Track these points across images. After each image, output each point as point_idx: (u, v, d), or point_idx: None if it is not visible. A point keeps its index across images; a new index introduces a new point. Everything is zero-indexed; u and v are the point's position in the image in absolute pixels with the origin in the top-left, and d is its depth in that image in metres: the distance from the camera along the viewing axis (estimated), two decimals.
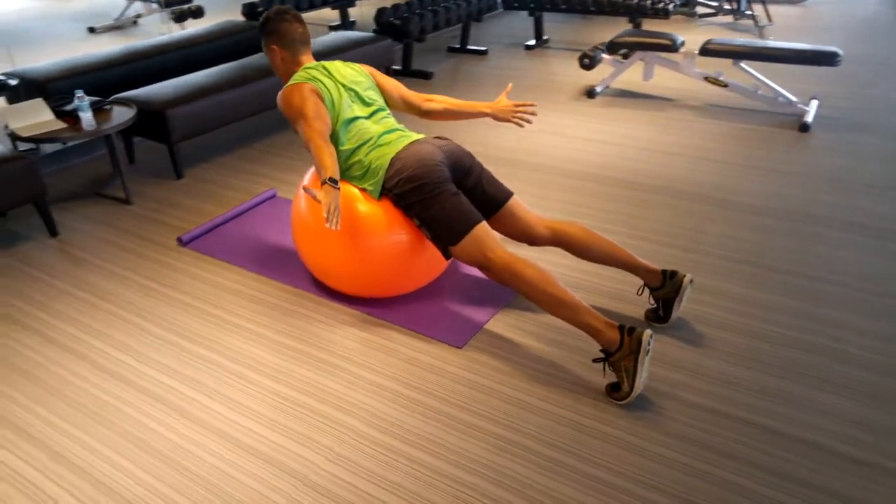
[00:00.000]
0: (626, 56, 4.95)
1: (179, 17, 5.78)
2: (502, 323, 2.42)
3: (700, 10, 7.60)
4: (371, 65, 4.87)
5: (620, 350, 1.98)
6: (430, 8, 5.49)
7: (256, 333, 2.41)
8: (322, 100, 2.33)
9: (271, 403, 2.09)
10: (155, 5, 6.02)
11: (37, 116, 3.23)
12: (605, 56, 4.87)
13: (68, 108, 3.31)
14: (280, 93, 2.37)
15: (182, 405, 2.09)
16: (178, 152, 3.65)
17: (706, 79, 4.64)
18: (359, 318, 2.47)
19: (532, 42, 6.43)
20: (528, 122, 2.61)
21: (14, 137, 3.14)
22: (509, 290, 2.60)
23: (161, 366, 2.26)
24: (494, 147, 3.99)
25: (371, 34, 4.98)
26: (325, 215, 1.95)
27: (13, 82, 3.87)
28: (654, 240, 2.91)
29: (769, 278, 2.62)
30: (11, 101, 3.92)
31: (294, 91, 2.32)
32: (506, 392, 2.10)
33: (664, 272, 2.29)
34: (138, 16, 6.11)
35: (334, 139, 2.37)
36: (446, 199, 2.23)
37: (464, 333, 2.36)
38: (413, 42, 5.43)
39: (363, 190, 2.36)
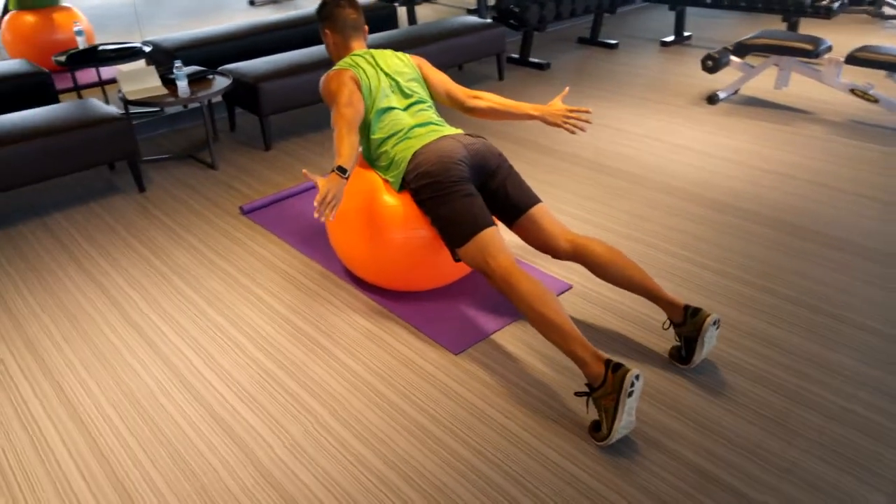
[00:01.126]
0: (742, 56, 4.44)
1: None
2: (511, 335, 2.28)
3: (889, 10, 6.58)
4: (480, 53, 4.79)
5: (602, 387, 1.78)
6: None
7: (270, 307, 2.48)
8: (359, 87, 2.31)
9: (252, 376, 2.13)
10: None
11: (146, 82, 3.53)
12: (733, 59, 4.40)
13: (173, 76, 3.59)
14: (323, 76, 2.39)
15: (175, 363, 2.20)
16: (270, 125, 3.84)
17: (853, 91, 4.04)
18: (370, 308, 2.46)
19: (670, 38, 5.98)
20: (582, 129, 2.43)
21: (123, 100, 3.47)
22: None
23: (176, 324, 2.39)
24: (579, 146, 3.76)
25: (484, 20, 4.89)
26: (316, 203, 1.93)
27: (147, 49, 4.26)
28: (716, 270, 2.59)
29: (846, 336, 2.23)
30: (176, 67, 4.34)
31: (334, 77, 2.32)
32: (484, 411, 1.98)
33: (686, 308, 2.03)
34: None
35: (366, 127, 2.35)
36: (458, 199, 2.14)
37: (465, 340, 2.26)
38: (532, 31, 5.26)
39: (386, 181, 2.33)
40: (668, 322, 2.10)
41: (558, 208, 3.10)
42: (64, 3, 5.49)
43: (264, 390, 2.08)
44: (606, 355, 1.82)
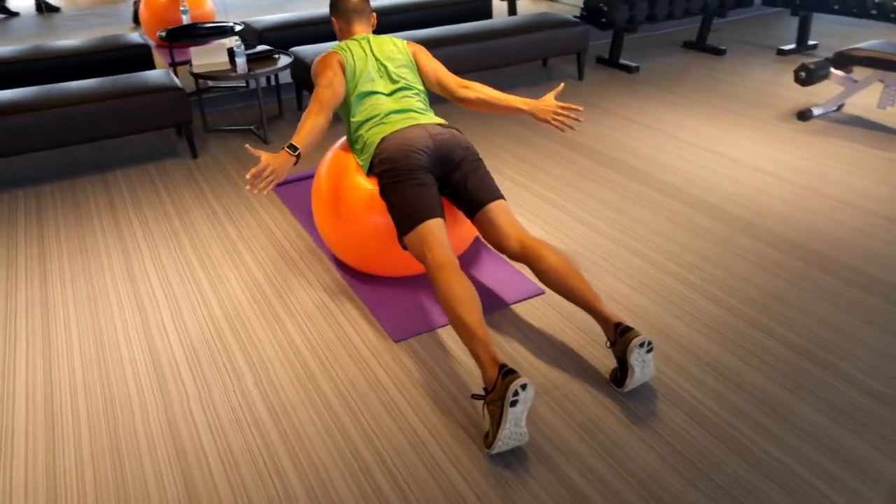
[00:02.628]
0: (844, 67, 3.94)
1: None
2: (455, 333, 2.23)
3: None
4: (560, 50, 4.66)
5: (492, 392, 1.71)
6: None
7: (249, 271, 2.61)
8: (344, 70, 2.37)
9: (204, 333, 2.26)
10: None
11: (214, 58, 3.82)
12: (833, 71, 3.94)
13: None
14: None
15: (148, 312, 2.38)
16: None
17: None
18: (336, 284, 2.51)
19: (790, 46, 5.45)
20: (571, 128, 2.33)
21: (192, 73, 3.78)
22: (501, 299, 2.39)
23: (165, 278, 2.59)
24: (631, 154, 3.56)
25: (565, 17, 4.75)
26: (249, 175, 1.97)
27: (238, 28, 4.60)
28: (714, 297, 2.36)
29: (824, 387, 1.96)
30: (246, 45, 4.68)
31: (322, 59, 2.39)
32: (397, 402, 1.96)
33: (617, 325, 1.88)
34: None
35: (346, 109, 2.40)
36: (409, 187, 2.12)
37: (408, 329, 2.25)
38: (622, 32, 5.03)
39: (359, 165, 2.37)
40: (608, 340, 1.96)
41: (576, 214, 2.97)
42: None
43: (207, 347, 2.20)
44: (503, 360, 1.74)
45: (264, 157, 2.01)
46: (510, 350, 2.15)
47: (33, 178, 3.53)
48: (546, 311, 2.32)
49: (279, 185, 2.99)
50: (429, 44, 4.19)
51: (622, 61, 5.14)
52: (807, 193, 3.06)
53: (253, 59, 3.91)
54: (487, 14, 5.49)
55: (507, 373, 1.68)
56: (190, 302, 2.44)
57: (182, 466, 1.76)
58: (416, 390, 2.00)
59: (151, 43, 5.81)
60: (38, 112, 3.27)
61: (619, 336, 1.85)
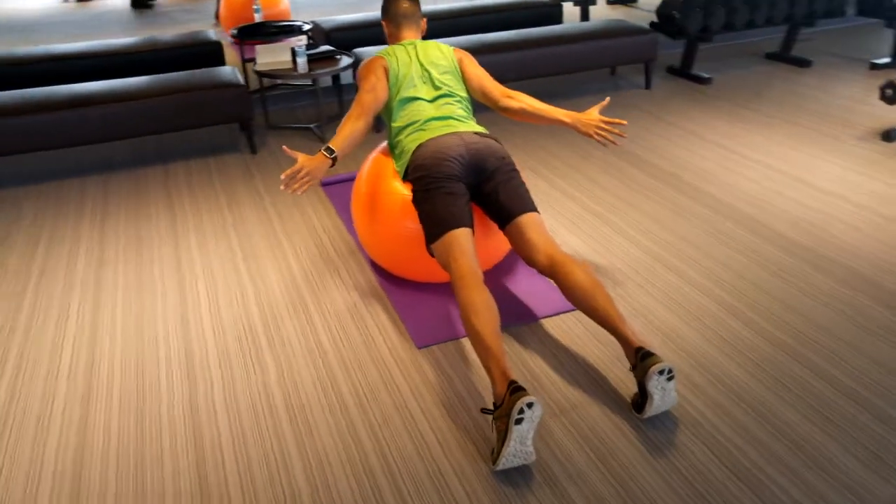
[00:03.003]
0: None
1: None
2: None
3: None
4: (627, 58, 4.55)
5: (500, 408, 1.68)
6: (727, 4, 4.77)
7: (288, 267, 2.67)
8: (387, 74, 2.38)
9: (237, 323, 2.33)
10: None
11: (278, 57, 3.94)
12: None
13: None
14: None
15: (188, 301, 2.47)
16: None
17: None
18: (369, 286, 2.53)
19: (884, 60, 5.10)
20: (614, 143, 2.27)
21: (256, 71, 3.91)
22: (532, 313, 2.35)
23: (209, 270, 2.68)
24: (692, 170, 3.42)
25: (633, 24, 4.61)
26: (284, 175, 2.01)
27: (307, 27, 4.72)
28: (780, 343, 2.24)
29: (867, 434, 1.82)
30: (309, 45, 4.82)
31: (368, 63, 2.42)
32: (410, 409, 1.95)
33: (638, 350, 1.80)
34: None
35: (388, 113, 2.41)
36: (439, 195, 2.12)
37: (433, 336, 2.24)
38: (695, 41, 4.84)
39: (395, 170, 2.38)
40: (630, 364, 1.89)
41: (621, 228, 2.89)
42: None
43: (238, 339, 2.27)
44: (513, 376, 1.70)
45: (301, 158, 2.05)
46: (532, 365, 2.10)
47: (104, 167, 3.74)
48: (574, 328, 2.26)
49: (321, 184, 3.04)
50: (494, 48, 4.18)
51: (694, 72, 4.96)
52: (886, 224, 2.86)
53: (315, 59, 4.00)
54: (558, 20, 5.41)
55: (516, 389, 1.65)
56: (228, 293, 2.52)
57: (197, 449, 1.82)
58: (430, 397, 1.99)
59: (228, 39, 6.05)
60: (106, 105, 3.46)
61: (640, 361, 1.78)
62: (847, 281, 2.45)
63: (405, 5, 2.52)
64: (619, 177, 3.37)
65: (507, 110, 2.44)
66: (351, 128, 2.22)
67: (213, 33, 4.58)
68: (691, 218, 2.94)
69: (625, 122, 2.29)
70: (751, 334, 2.19)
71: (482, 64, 2.69)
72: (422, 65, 2.41)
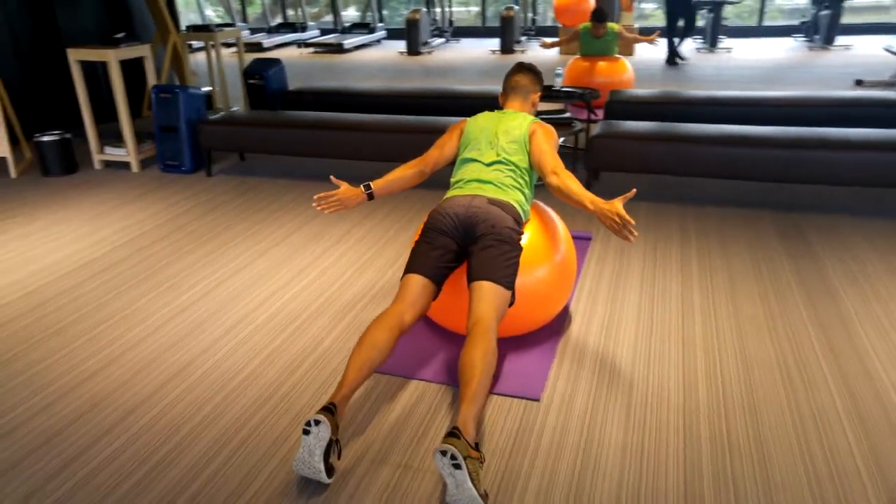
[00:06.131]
0: None
1: None
2: (433, 388, 2.31)
3: None
4: None
5: None
6: None
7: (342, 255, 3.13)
8: (461, 135, 2.66)
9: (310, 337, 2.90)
10: None
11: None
12: None
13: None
14: None
15: (265, 290, 3.10)
16: None
17: None
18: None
19: None
20: (627, 239, 2.14)
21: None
22: (494, 384, 2.33)
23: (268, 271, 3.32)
24: (853, 354, 2.52)
25: None
26: (318, 196, 2.39)
27: (580, 93, 5.00)
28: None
29: None
30: None
31: (453, 125, 2.74)
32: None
33: (454, 429, 1.77)
34: None
35: (453, 168, 2.67)
36: (421, 244, 2.35)
37: (401, 368, 2.44)
38: None
39: None
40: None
41: (711, 345, 2.48)
42: (618, 56, 6.70)
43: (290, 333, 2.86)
44: (336, 400, 1.93)
45: (343, 187, 2.48)
46: (440, 432, 2.13)
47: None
48: (533, 418, 2.16)
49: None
50: (806, 144, 3.78)
51: None
52: None
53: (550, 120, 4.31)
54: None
55: (325, 409, 1.87)
56: (291, 298, 3.12)
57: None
58: (351, 418, 2.19)
59: None
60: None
61: (443, 438, 1.75)
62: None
63: (517, 78, 2.71)
64: (777, 297, 2.78)
65: (549, 186, 2.43)
66: (400, 173, 2.58)
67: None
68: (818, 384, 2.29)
69: (634, 222, 2.08)
70: None
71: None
72: (496, 132, 2.58)
